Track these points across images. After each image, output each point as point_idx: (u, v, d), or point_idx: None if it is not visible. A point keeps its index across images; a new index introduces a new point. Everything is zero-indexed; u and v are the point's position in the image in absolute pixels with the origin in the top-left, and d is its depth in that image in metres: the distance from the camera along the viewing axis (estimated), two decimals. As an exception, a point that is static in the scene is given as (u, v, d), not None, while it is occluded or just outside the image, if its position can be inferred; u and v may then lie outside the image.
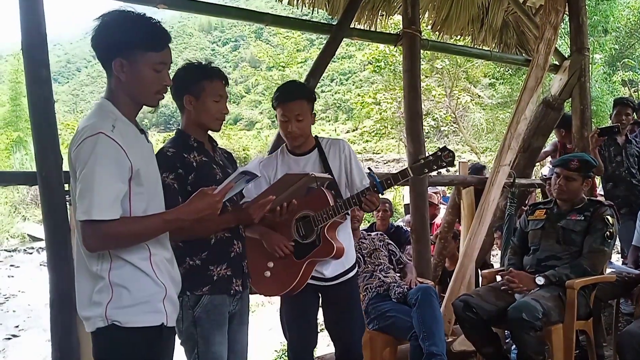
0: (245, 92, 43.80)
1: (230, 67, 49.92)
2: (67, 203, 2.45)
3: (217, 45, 56.60)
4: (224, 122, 2.09)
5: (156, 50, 1.59)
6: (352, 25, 3.90)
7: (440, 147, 2.23)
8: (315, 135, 2.49)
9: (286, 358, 2.57)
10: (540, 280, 2.81)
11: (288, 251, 2.26)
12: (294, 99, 2.35)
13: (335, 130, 31.36)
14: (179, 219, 1.61)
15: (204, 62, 2.07)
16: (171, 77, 1.70)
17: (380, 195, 2.22)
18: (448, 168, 2.87)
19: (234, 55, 52.67)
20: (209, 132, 2.11)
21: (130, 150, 1.53)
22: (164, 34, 1.62)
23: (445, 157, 2.16)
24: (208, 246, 1.96)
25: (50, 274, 2.47)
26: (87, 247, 1.50)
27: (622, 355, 2.38)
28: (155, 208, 1.64)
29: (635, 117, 4.55)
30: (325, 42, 3.77)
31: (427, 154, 2.23)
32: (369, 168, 2.40)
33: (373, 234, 3.51)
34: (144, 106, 1.69)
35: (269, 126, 31.60)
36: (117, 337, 1.54)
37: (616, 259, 4.93)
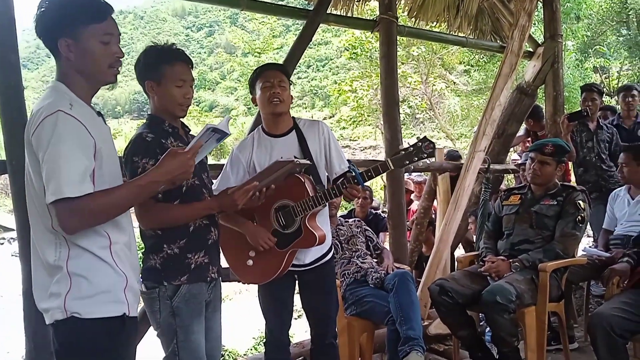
0: (221, 79, 43.35)
1: (205, 53, 49.30)
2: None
3: (192, 30, 55.76)
4: (188, 107, 2.03)
5: (98, 22, 1.53)
6: (328, 11, 3.87)
7: (420, 137, 2.21)
8: (293, 117, 2.47)
9: (264, 345, 2.58)
10: (516, 268, 2.86)
11: (272, 244, 2.27)
12: (274, 68, 2.44)
13: (312, 117, 31.29)
14: (153, 182, 1.56)
15: (164, 45, 2.00)
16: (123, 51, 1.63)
17: (360, 186, 2.21)
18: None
19: (209, 41, 51.99)
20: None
21: (91, 128, 1.49)
22: (103, 4, 1.56)
23: (425, 147, 2.15)
24: (186, 233, 1.93)
25: (23, 264, 2.41)
26: (65, 228, 1.44)
27: (592, 336, 2.43)
28: None
29: (606, 102, 4.63)
30: (300, 28, 3.73)
31: (407, 144, 2.21)
32: (348, 160, 2.39)
33: (350, 220, 3.52)
34: (103, 84, 1.63)
35: (245, 113, 31.38)
36: (77, 329, 1.49)
37: (587, 242, 5.05)
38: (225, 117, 1.95)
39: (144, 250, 1.98)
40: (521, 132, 5.16)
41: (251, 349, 7.25)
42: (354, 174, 2.18)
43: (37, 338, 2.43)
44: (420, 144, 2.16)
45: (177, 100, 1.96)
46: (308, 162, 2.31)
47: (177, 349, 1.90)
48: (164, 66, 1.94)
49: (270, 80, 2.35)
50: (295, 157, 2.24)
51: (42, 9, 1.53)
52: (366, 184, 2.26)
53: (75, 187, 1.41)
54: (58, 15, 1.51)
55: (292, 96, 2.45)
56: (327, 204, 2.33)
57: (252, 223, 2.30)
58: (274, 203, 2.27)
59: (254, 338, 7.67)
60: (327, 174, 2.45)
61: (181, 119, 2.06)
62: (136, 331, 1.69)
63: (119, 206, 1.52)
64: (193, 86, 2.03)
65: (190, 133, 2.11)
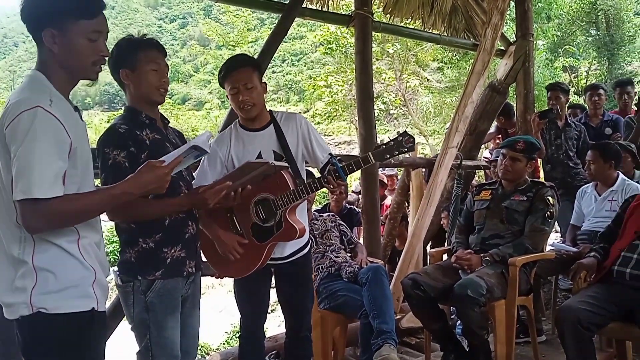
0: (194, 71, 42.84)
1: (178, 45, 48.62)
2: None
3: (164, 22, 54.91)
4: (166, 92, 2.00)
5: (88, 18, 1.49)
6: (304, 5, 3.86)
7: (401, 132, 2.22)
8: (270, 110, 2.45)
9: (236, 339, 2.58)
10: (487, 262, 2.91)
11: (238, 256, 2.23)
12: (239, 67, 2.32)
13: (287, 111, 31.15)
14: (126, 193, 1.54)
15: (137, 35, 1.98)
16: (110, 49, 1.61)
17: (342, 180, 2.21)
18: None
19: (182, 33, 51.29)
20: (160, 111, 2.03)
21: (69, 127, 1.45)
22: (97, 0, 1.53)
23: (406, 142, 2.16)
24: (162, 227, 1.90)
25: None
26: (28, 228, 1.41)
27: (560, 329, 2.49)
28: (86, 190, 1.56)
29: (575, 101, 4.74)
30: (275, 21, 3.71)
31: (388, 139, 2.21)
32: (330, 154, 2.38)
33: (325, 215, 3.53)
34: (83, 80, 1.59)
35: (219, 106, 31.09)
36: (44, 324, 1.45)
37: (554, 237, 5.17)
38: (205, 132, 1.91)
39: (119, 243, 1.95)
40: (492, 129, 5.24)
41: (223, 344, 7.23)
42: (335, 167, 2.17)
43: (6, 339, 2.37)
44: (401, 138, 2.17)
45: (154, 83, 1.93)
46: (285, 164, 2.29)
47: (150, 344, 1.88)
48: (137, 52, 1.91)
49: (236, 86, 2.30)
50: (272, 161, 2.22)
51: None
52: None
53: (46, 189, 1.38)
54: (49, 4, 1.47)
55: (265, 86, 2.41)
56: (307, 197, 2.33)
57: (222, 231, 2.24)
58: (253, 197, 2.26)
59: (226, 332, 7.65)
60: (305, 167, 2.45)
61: (160, 111, 2.03)
62: (105, 326, 1.66)
63: (89, 212, 1.51)
64: (168, 74, 2.01)
65: (169, 125, 2.08)
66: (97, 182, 1.86)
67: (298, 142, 2.40)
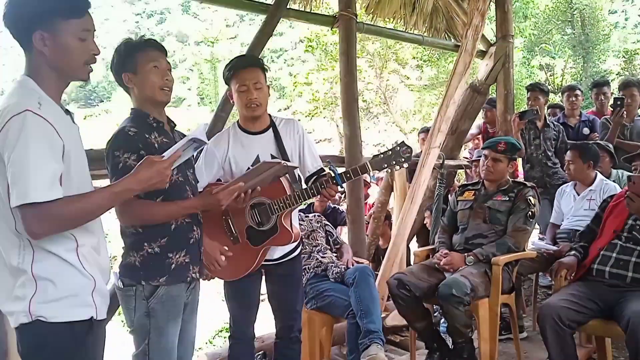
0: (172, 68, 42.35)
1: (155, 41, 47.99)
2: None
3: (142, 17, 54.16)
4: (171, 91, 1.98)
5: (78, 17, 1.49)
6: (288, 6, 3.87)
7: (399, 142, 2.25)
8: (269, 114, 2.46)
9: (224, 337, 2.59)
10: (470, 261, 2.97)
11: (220, 268, 2.19)
12: (249, 65, 2.33)
13: (267, 108, 31.02)
14: (127, 190, 1.54)
15: (136, 38, 1.97)
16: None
17: (339, 187, 2.24)
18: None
19: (160, 29, 50.62)
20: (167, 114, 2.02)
21: (60, 129, 1.43)
22: None
23: (403, 152, 2.19)
24: (168, 232, 1.89)
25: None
26: (31, 233, 1.39)
27: (541, 326, 2.54)
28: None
29: (551, 100, 4.84)
30: (255, 18, 3.71)
31: (386, 148, 2.24)
32: (328, 161, 2.41)
33: (310, 215, 3.56)
34: (75, 80, 1.57)
35: (199, 103, 30.84)
36: (43, 333, 1.45)
37: (535, 235, 5.26)
38: (202, 124, 1.91)
39: (123, 246, 1.93)
40: (473, 129, 5.32)
41: (206, 343, 7.21)
42: (333, 174, 2.20)
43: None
44: (399, 148, 2.20)
45: (157, 83, 1.91)
46: (296, 165, 2.32)
47: (148, 349, 1.87)
48: (137, 54, 1.90)
49: (246, 84, 2.30)
50: (284, 162, 2.22)
51: None
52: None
53: (44, 192, 1.36)
54: (36, 6, 1.45)
55: (268, 86, 2.41)
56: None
57: (207, 240, 2.16)
58: (250, 200, 2.26)
59: (215, 331, 7.63)
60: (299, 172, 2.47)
61: (167, 115, 2.02)
62: (104, 334, 1.65)
63: (91, 212, 1.49)
64: (171, 71, 1.99)
65: (176, 128, 2.06)
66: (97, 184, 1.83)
67: (294, 147, 2.42)
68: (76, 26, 1.49)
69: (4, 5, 1.47)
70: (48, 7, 1.46)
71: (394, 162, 2.21)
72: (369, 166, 2.21)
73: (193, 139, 1.69)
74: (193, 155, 1.92)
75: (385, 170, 2.30)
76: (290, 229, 2.30)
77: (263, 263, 2.40)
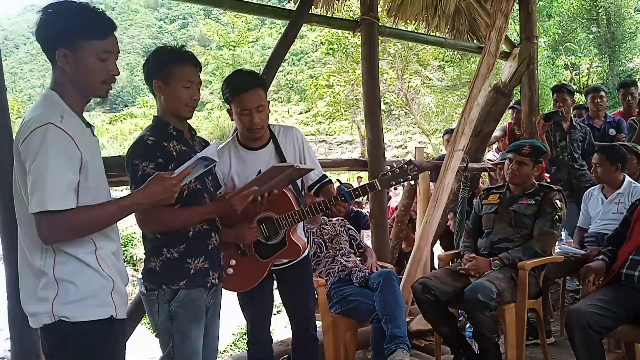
0: (195, 72, 42.77)
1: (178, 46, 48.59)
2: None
3: (165, 22, 54.97)
4: (194, 108, 2.02)
5: (100, 38, 1.55)
6: (310, 11, 3.89)
7: (406, 160, 2.31)
8: (268, 125, 2.43)
9: (243, 341, 2.63)
10: (495, 266, 2.94)
11: (256, 237, 2.27)
12: (250, 88, 2.24)
13: (288, 111, 31.16)
14: (135, 204, 1.61)
15: (174, 46, 2.01)
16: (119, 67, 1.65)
17: (348, 204, 2.26)
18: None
19: (182, 34, 51.31)
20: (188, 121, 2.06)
21: (79, 142, 1.52)
22: (108, 21, 1.59)
23: (410, 170, 2.23)
24: (186, 238, 1.94)
25: (6, 267, 2.39)
26: (44, 239, 1.48)
27: (570, 332, 2.51)
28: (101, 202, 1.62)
29: (577, 100, 4.77)
30: (275, 22, 3.74)
31: (394, 166, 2.27)
32: (338, 180, 2.44)
33: (334, 219, 3.56)
34: (93, 97, 1.66)
35: (220, 107, 31.11)
36: (66, 332, 1.54)
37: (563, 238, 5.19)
38: (215, 141, 1.93)
39: (144, 252, 2.00)
40: (498, 132, 5.27)
41: (230, 345, 7.26)
42: (342, 192, 2.23)
43: (22, 340, 2.41)
44: (406, 166, 2.24)
45: (184, 100, 1.95)
46: (310, 167, 2.34)
47: (173, 352, 1.92)
48: (173, 66, 1.94)
49: (248, 108, 2.24)
50: (297, 164, 2.24)
51: (46, 15, 1.54)
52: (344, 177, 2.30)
53: (59, 201, 1.45)
54: (61, 24, 1.53)
55: (269, 104, 2.37)
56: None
57: (229, 228, 2.22)
58: (257, 215, 2.30)
59: (233, 334, 7.68)
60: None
61: (188, 122, 2.06)
62: (124, 332, 1.74)
63: (101, 222, 1.57)
64: (200, 89, 2.03)
65: (197, 135, 2.11)
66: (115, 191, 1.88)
67: (295, 155, 2.43)
68: (98, 47, 1.56)
69: (36, 22, 1.56)
70: (72, 26, 1.53)
71: (402, 180, 2.26)
72: (378, 185, 2.26)
73: (204, 157, 1.73)
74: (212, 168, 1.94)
75: (392, 186, 2.36)
76: (298, 243, 2.35)
77: (272, 268, 2.42)
